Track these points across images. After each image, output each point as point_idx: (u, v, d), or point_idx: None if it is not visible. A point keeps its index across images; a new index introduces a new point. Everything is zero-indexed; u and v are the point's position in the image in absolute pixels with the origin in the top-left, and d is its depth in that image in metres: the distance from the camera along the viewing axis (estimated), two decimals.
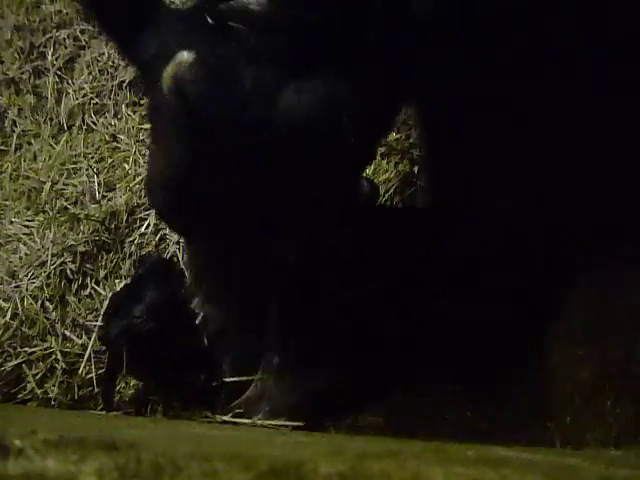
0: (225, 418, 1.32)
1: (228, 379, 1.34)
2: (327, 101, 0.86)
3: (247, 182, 0.91)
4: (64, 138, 1.95)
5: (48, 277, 1.55)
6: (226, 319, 1.26)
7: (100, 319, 1.47)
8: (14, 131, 2.07)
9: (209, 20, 0.89)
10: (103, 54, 2.06)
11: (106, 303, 1.51)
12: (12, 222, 1.76)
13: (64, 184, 1.84)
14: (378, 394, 1.42)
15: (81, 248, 1.59)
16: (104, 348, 1.44)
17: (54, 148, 1.98)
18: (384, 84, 0.96)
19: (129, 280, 1.55)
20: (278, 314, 1.31)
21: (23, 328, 1.47)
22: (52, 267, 1.55)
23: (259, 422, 1.29)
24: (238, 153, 0.88)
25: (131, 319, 1.35)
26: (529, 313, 1.38)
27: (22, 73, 2.12)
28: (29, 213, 1.77)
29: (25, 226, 1.73)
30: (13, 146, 2.03)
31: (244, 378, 1.33)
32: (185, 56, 0.84)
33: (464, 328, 1.37)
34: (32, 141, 2.03)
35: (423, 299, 1.40)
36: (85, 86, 2.04)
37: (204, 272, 1.20)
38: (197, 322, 1.37)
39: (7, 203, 1.85)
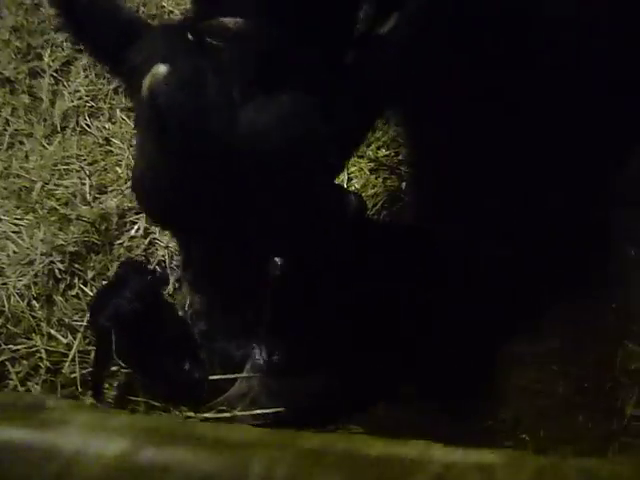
0: (207, 415, 1.33)
1: (213, 377, 1.35)
2: (289, 116, 0.90)
3: (215, 188, 0.94)
4: (58, 139, 1.96)
5: (36, 276, 1.55)
6: (214, 317, 1.28)
7: (87, 312, 1.49)
8: (6, 130, 2.08)
9: (189, 36, 0.93)
10: None
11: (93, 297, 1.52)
12: (1, 220, 1.76)
13: (55, 184, 1.86)
14: (362, 403, 1.45)
15: (70, 248, 1.60)
16: (91, 344, 1.46)
17: (46, 148, 1.99)
18: (353, 102, 1.01)
19: (112, 277, 1.57)
20: (266, 316, 1.34)
21: (9, 325, 1.47)
22: (40, 266, 1.56)
23: (239, 414, 1.31)
24: (205, 161, 0.92)
25: (118, 300, 1.39)
26: (509, 329, 1.42)
27: (18, 73, 2.14)
28: (19, 212, 1.77)
29: (14, 224, 1.73)
30: (5, 144, 2.04)
31: (229, 376, 1.34)
32: (160, 68, 0.88)
33: (446, 343, 1.40)
34: (25, 140, 2.04)
35: (405, 310, 1.43)
36: (81, 89, 2.06)
37: (193, 270, 1.22)
38: (183, 316, 1.41)
39: None
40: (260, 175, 0.90)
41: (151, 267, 1.64)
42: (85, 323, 1.50)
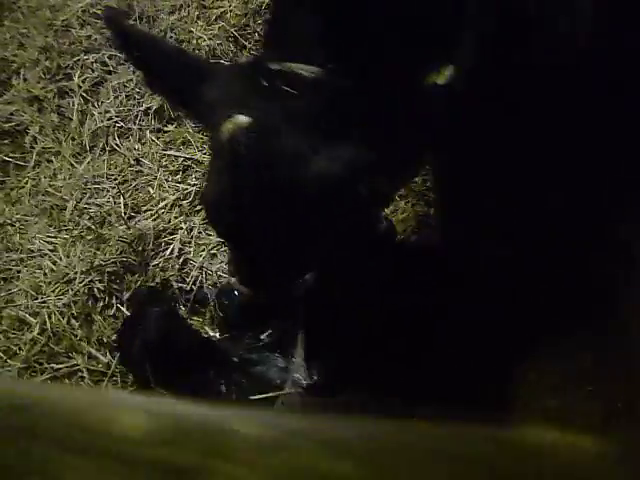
0: None
1: (254, 397, 1.38)
2: (349, 168, 0.97)
3: (276, 221, 1.01)
4: (88, 159, 1.98)
5: (75, 295, 1.57)
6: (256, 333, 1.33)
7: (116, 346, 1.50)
8: (33, 148, 2.10)
9: (262, 82, 0.99)
10: (131, 80, 2.12)
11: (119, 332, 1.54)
12: (35, 237, 1.77)
13: (87, 203, 1.88)
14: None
15: (109, 268, 1.62)
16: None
17: (75, 167, 2.01)
18: (406, 150, 1.09)
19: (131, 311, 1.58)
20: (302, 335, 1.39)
21: (50, 344, 1.48)
22: (80, 285, 1.57)
23: None
24: (272, 197, 0.98)
25: (144, 332, 1.41)
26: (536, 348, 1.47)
27: (47, 92, 2.16)
28: (52, 230, 1.79)
29: (48, 242, 1.75)
30: (32, 162, 2.06)
31: (269, 395, 1.37)
32: (241, 119, 0.95)
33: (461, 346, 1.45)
34: (52, 159, 2.06)
35: (427, 326, 1.48)
36: (111, 110, 2.09)
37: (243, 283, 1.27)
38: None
39: (28, 218, 1.87)
40: (319, 212, 0.96)
41: (187, 287, 1.67)
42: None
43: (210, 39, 2.24)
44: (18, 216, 1.88)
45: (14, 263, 1.72)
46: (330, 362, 1.42)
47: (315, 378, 1.40)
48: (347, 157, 0.95)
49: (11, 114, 2.15)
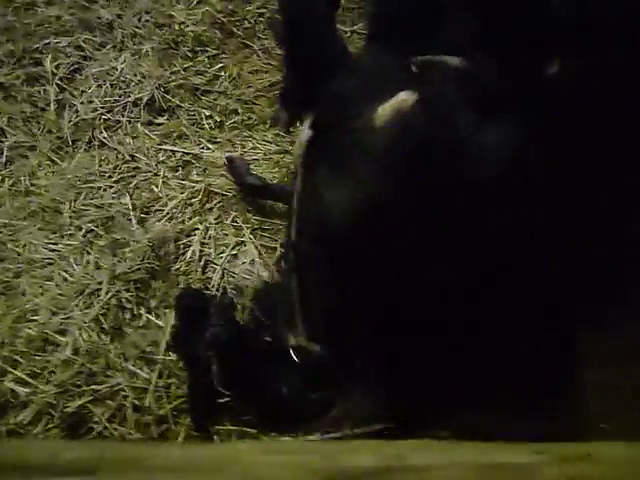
0: (312, 438, 1.33)
1: (314, 395, 1.35)
2: (510, 145, 0.98)
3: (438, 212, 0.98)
4: (78, 155, 1.80)
5: (102, 307, 1.43)
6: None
7: (166, 349, 1.41)
8: (2, 141, 1.87)
9: (413, 68, 0.97)
10: (114, 68, 1.95)
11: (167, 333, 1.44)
12: (31, 245, 1.59)
13: (83, 205, 1.71)
14: (446, 409, 1.52)
15: (134, 276, 1.49)
16: (170, 377, 1.39)
17: (57, 164, 1.82)
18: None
19: (179, 313, 1.49)
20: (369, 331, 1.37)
21: (86, 364, 1.34)
22: (107, 296, 1.44)
23: (348, 432, 1.33)
24: (432, 184, 0.96)
25: (213, 329, 1.34)
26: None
27: (13, 78, 1.92)
28: (52, 236, 1.61)
29: (51, 250, 1.57)
30: (4, 158, 1.83)
31: (331, 392, 1.35)
32: (407, 95, 0.92)
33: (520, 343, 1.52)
34: (27, 154, 1.85)
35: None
36: (95, 100, 1.91)
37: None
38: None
39: (14, 223, 1.67)
40: (479, 193, 0.95)
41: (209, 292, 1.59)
42: (161, 356, 1.42)
43: (194, 24, 2.12)
44: (2, 220, 1.67)
45: (12, 275, 1.53)
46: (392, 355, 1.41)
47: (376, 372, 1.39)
48: (509, 130, 0.95)
49: None
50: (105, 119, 1.90)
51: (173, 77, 1.98)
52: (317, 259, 1.13)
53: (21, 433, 1.30)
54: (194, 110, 1.96)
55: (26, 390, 1.31)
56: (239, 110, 1.97)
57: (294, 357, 1.26)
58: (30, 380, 1.31)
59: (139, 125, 1.90)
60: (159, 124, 1.93)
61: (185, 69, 2.03)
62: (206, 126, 1.94)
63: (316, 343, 1.31)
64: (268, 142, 1.92)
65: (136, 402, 1.33)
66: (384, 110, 0.92)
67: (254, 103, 2.00)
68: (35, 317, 1.41)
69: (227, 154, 1.80)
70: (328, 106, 1.04)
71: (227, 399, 1.32)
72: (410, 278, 1.10)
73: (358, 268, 1.12)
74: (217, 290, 1.60)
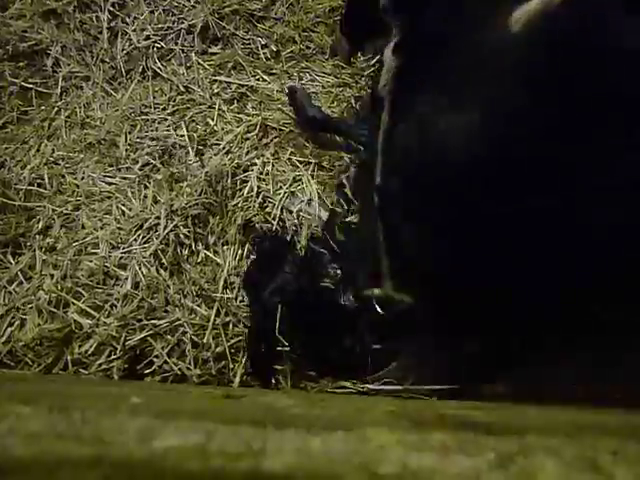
0: (372, 387, 1.31)
1: (376, 346, 1.32)
2: None
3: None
4: (132, 86, 1.75)
5: (161, 242, 1.41)
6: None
7: (224, 287, 1.39)
8: (57, 72, 1.82)
9: None
10: None
11: (225, 270, 1.42)
12: (89, 177, 1.57)
13: (139, 137, 1.67)
14: (507, 363, 1.46)
15: (192, 211, 1.46)
16: (229, 316, 1.38)
17: (112, 95, 1.78)
18: None
19: (255, 255, 1.47)
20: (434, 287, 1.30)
21: (147, 299, 1.34)
22: (165, 231, 1.42)
23: (411, 387, 1.29)
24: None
25: (283, 276, 1.31)
26: None
27: (64, 5, 1.86)
28: (109, 169, 1.59)
29: (109, 184, 1.55)
30: (58, 89, 1.80)
31: (393, 344, 1.31)
32: None
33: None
34: (82, 85, 1.80)
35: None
36: (147, 27, 1.83)
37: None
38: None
39: (72, 156, 1.65)
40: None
41: (273, 227, 1.54)
42: (219, 294, 1.40)
43: None
44: (60, 153, 1.65)
45: (71, 208, 1.52)
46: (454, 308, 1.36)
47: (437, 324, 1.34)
48: None
49: (24, 31, 1.84)
50: (158, 47, 1.82)
51: (228, 2, 1.87)
52: (411, 202, 1.03)
53: (85, 363, 1.32)
54: (249, 38, 1.86)
55: (89, 322, 1.32)
56: (296, 39, 1.85)
57: (378, 309, 1.21)
58: (93, 312, 1.32)
59: (193, 55, 1.82)
60: (213, 54, 1.84)
61: None
62: (262, 56, 1.84)
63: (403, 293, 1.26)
64: (327, 74, 1.80)
65: (195, 338, 1.33)
66: (522, 13, 0.78)
67: (312, 31, 1.87)
68: (95, 250, 1.41)
69: (289, 84, 1.70)
70: (421, 27, 0.92)
71: (286, 348, 1.30)
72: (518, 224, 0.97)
73: (468, 212, 1.00)
74: (278, 226, 1.56)
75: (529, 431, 0.41)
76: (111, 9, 1.85)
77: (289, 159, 1.65)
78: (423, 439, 0.35)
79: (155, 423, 0.38)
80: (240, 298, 1.40)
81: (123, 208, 1.47)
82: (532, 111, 0.81)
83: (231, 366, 1.33)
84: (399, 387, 1.31)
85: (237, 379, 1.33)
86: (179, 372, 1.29)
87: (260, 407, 0.60)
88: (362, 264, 1.36)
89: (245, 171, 1.60)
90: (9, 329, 1.34)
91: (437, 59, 0.89)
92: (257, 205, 1.56)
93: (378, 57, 1.76)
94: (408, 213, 1.07)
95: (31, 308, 1.35)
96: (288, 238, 1.47)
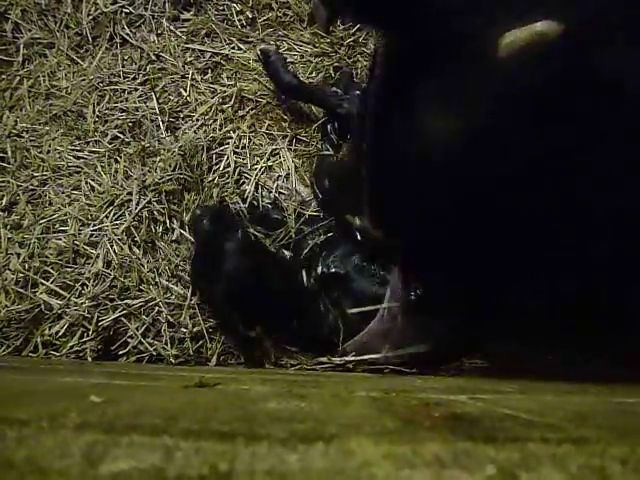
0: (349, 358, 1.29)
1: (351, 310, 1.29)
2: None
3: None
4: (99, 54, 1.66)
5: (134, 219, 1.36)
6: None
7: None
8: (17, 39, 1.72)
9: None
10: None
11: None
12: (56, 151, 1.49)
13: (108, 109, 1.59)
14: (483, 339, 1.46)
15: (166, 187, 1.40)
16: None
17: (78, 63, 1.68)
18: None
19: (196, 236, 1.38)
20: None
21: (119, 278, 1.29)
22: (138, 207, 1.36)
23: (389, 355, 1.28)
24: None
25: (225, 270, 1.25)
26: None
27: None
28: (77, 142, 1.51)
29: (77, 157, 1.48)
30: (20, 56, 1.70)
31: (367, 308, 1.29)
32: (545, 25, 0.74)
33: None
34: (46, 52, 1.70)
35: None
36: None
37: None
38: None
39: (37, 128, 1.56)
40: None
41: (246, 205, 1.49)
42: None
43: None
44: (24, 125, 1.57)
45: (37, 183, 1.45)
46: (434, 277, 1.33)
47: (415, 292, 1.32)
48: None
49: None
50: (126, 12, 1.73)
51: None
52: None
53: (56, 345, 1.27)
54: (223, 4, 1.77)
55: (59, 302, 1.27)
56: (273, 5, 1.77)
57: (358, 236, 1.18)
58: (63, 292, 1.27)
59: (164, 21, 1.73)
60: (185, 20, 1.75)
61: None
62: (237, 23, 1.75)
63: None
64: (305, 43, 1.74)
65: (170, 318, 1.29)
66: (514, 37, 0.74)
67: None
68: (64, 228, 1.35)
69: (262, 46, 1.63)
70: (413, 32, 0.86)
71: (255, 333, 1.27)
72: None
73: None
74: (251, 204, 1.52)
75: (531, 436, 0.39)
76: None
77: (266, 132, 1.59)
78: (414, 451, 0.32)
79: (105, 440, 0.34)
80: None
81: (92, 183, 1.40)
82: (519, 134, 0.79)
83: (209, 345, 1.30)
84: (378, 356, 1.29)
85: (214, 359, 1.30)
86: (155, 352, 1.26)
87: (233, 404, 0.57)
88: (344, 198, 1.32)
89: (220, 145, 1.55)
90: None
91: (428, 65, 0.85)
92: (233, 181, 1.51)
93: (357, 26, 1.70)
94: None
95: None
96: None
